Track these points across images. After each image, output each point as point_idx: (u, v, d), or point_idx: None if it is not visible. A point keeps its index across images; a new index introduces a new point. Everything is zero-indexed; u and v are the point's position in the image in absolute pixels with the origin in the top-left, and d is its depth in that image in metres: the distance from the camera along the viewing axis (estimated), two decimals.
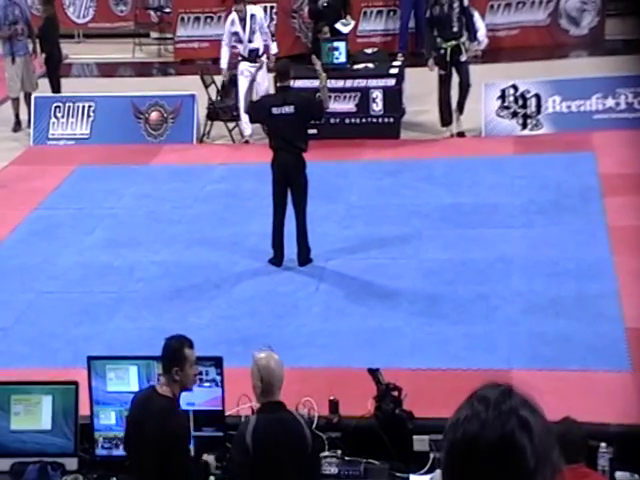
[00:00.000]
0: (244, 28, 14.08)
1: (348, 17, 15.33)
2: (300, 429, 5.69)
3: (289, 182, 10.38)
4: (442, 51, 13.60)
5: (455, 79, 13.80)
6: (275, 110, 10.34)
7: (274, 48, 14.46)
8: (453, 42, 13.58)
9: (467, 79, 13.70)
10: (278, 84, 10.82)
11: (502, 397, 1.93)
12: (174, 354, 5.83)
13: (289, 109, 10.32)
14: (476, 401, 1.93)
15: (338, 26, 15.17)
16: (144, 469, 5.97)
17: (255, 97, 12.84)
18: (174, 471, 5.81)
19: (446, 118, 13.89)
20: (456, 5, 13.60)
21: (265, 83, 14.04)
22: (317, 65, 11.00)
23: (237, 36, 14.18)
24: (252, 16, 14.12)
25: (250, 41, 14.12)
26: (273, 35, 14.60)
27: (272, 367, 5.78)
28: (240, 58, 14.26)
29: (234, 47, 14.31)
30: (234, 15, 14.20)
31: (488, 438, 1.86)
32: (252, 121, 11.79)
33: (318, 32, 15.38)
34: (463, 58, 13.65)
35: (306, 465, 5.70)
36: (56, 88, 15.56)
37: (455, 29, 13.61)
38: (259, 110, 10.69)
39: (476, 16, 14.18)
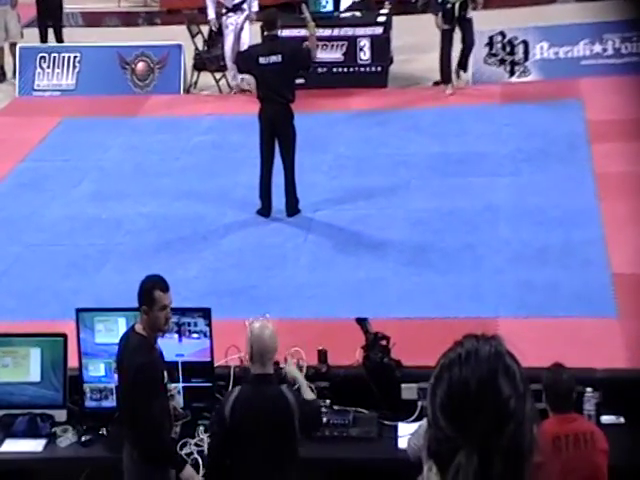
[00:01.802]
0: None
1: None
2: (285, 406, 5.53)
3: (277, 133, 10.35)
4: (449, 6, 13.17)
5: (457, 35, 13.51)
6: (262, 60, 10.27)
7: (255, 6, 14.03)
8: None
9: (471, 36, 13.40)
10: (265, 33, 10.73)
11: (487, 342, 1.99)
12: (144, 294, 5.84)
13: (276, 58, 10.26)
14: (464, 346, 1.98)
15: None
16: (124, 410, 5.99)
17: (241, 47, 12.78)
18: (137, 411, 5.75)
19: (447, 74, 13.53)
20: None
21: (246, 36, 13.86)
22: (306, 13, 10.91)
23: None
24: None
25: None
26: None
27: (264, 337, 5.64)
28: (225, 10, 14.06)
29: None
30: None
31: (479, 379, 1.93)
32: (240, 71, 11.77)
33: None
34: (469, 14, 13.25)
35: (291, 444, 5.56)
36: (59, 37, 15.44)
37: None
38: (246, 60, 10.63)
39: None
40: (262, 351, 5.62)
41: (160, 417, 5.86)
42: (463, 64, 13.67)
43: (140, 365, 5.75)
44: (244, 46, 13.24)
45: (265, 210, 10.60)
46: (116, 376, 6.27)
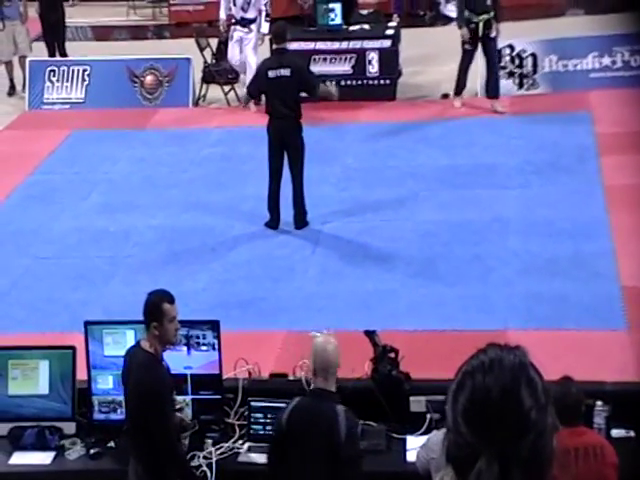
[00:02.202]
0: None
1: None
2: (333, 425, 5.52)
3: (285, 146, 10.34)
4: (472, 25, 12.85)
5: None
6: (271, 73, 10.26)
7: (265, 28, 13.79)
8: (485, 16, 12.82)
9: (494, 57, 13.09)
10: (274, 46, 10.74)
11: (511, 352, 2.01)
12: (152, 309, 5.85)
13: (285, 72, 10.23)
14: (488, 354, 2.00)
15: None
16: (130, 426, 5.97)
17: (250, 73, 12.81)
18: (151, 429, 5.74)
19: (460, 88, 13.38)
20: None
21: (252, 55, 13.85)
22: (332, 90, 10.76)
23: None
24: None
25: (244, 10, 13.89)
26: (268, 15, 14.10)
27: (328, 351, 5.66)
28: (233, 21, 14.07)
29: (229, 9, 14.17)
30: None
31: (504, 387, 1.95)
32: (252, 96, 11.08)
33: None
34: (493, 34, 12.88)
35: (333, 463, 5.52)
36: (62, 51, 15.51)
37: (489, 2, 12.85)
38: (258, 80, 10.51)
39: None
40: (325, 365, 5.63)
41: (174, 431, 5.87)
42: (492, 90, 13.22)
43: (148, 383, 5.75)
44: (251, 65, 13.25)
45: (273, 222, 10.59)
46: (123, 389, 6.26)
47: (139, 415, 5.79)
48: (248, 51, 13.95)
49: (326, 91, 10.76)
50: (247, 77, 13.16)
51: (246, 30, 13.96)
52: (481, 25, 12.85)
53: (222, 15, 14.28)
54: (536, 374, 1.98)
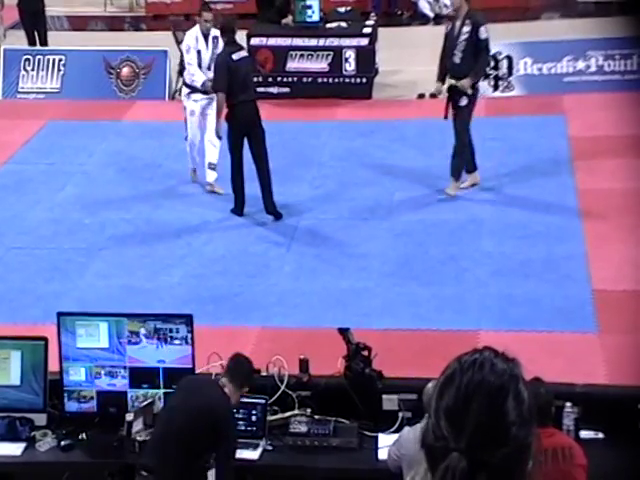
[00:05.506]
0: (207, 47, 11.32)
1: None
2: None
3: (248, 131, 10.47)
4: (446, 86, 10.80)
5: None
6: (235, 56, 10.59)
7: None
8: (453, 81, 10.63)
9: (460, 132, 10.84)
10: (225, 39, 10.83)
11: (506, 361, 1.97)
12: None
13: (245, 53, 10.86)
14: (483, 354, 1.96)
15: None
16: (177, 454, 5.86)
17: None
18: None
19: (469, 165, 11.18)
20: (465, 30, 10.49)
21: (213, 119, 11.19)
22: None
23: (198, 57, 11.39)
24: (215, 38, 11.26)
25: (209, 69, 11.19)
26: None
27: None
28: (189, 90, 11.57)
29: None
30: (197, 30, 11.36)
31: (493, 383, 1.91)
32: (225, 89, 10.40)
33: None
34: (463, 102, 10.70)
35: None
36: (43, 40, 15.42)
37: (457, 61, 10.57)
38: (223, 68, 10.52)
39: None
40: None
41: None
42: (450, 167, 11.00)
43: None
44: (214, 144, 11.19)
45: (239, 208, 10.71)
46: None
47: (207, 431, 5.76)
48: (211, 125, 11.17)
49: None
50: (209, 159, 11.33)
51: (208, 97, 11.26)
52: (445, 89, 10.80)
53: (203, 79, 11.25)
54: (526, 390, 1.93)
